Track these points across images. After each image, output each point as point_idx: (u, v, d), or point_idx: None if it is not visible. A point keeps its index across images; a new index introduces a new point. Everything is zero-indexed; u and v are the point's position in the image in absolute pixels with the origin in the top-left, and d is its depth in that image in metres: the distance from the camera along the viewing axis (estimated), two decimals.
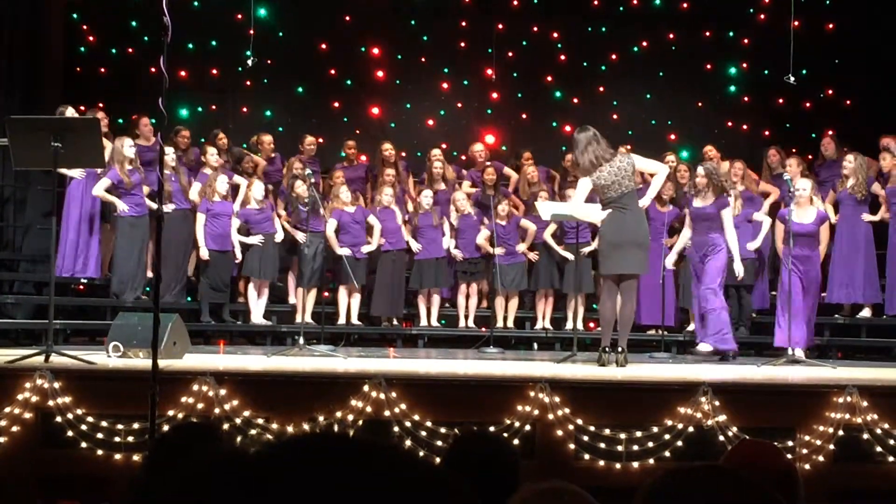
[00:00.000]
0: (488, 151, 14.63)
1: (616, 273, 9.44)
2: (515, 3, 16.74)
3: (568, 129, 16.34)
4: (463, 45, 16.70)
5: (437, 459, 5.51)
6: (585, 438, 7.11)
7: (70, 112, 11.82)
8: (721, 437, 7.06)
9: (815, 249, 11.01)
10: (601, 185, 9.37)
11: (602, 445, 7.11)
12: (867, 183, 12.44)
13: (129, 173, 12.03)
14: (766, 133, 15.75)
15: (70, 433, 7.04)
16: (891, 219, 12.37)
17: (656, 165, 10.03)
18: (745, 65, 16.58)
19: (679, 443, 7.09)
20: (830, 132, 13.62)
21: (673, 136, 15.96)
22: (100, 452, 7.04)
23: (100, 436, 7.04)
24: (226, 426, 6.85)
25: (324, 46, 16.58)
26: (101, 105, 13.09)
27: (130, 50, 15.88)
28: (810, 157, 13.22)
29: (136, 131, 13.24)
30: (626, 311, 9.49)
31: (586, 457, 7.11)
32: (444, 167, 14.00)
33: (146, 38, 15.40)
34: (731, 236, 10.79)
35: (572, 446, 7.11)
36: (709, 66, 16.65)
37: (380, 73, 16.72)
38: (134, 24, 15.91)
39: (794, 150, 13.34)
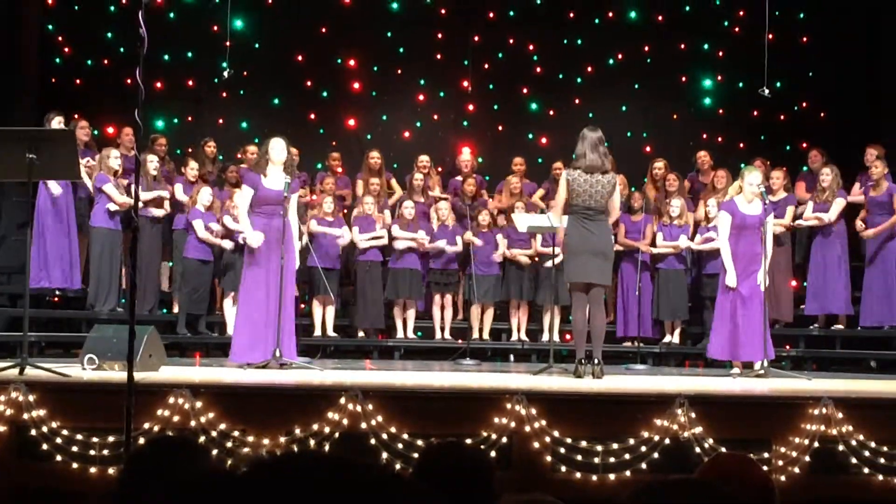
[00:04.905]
0: (474, 162, 14.66)
1: (580, 281, 9.42)
2: (492, 14, 16.79)
3: (544, 140, 16.43)
4: (439, 56, 16.72)
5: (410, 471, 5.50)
6: (562, 450, 7.10)
7: (58, 120, 11.81)
8: (697, 449, 7.07)
9: (760, 246, 10.13)
10: (573, 188, 9.35)
11: (579, 457, 7.10)
12: (836, 194, 12.53)
13: (116, 185, 12.08)
14: (741, 145, 15.83)
15: (45, 446, 6.99)
16: (870, 229, 12.45)
17: (617, 208, 9.73)
18: (720, 77, 16.67)
19: (655, 455, 7.09)
20: (817, 148, 13.63)
21: (648, 148, 16.01)
22: (75, 466, 6.98)
23: (75, 449, 6.98)
24: (202, 439, 6.82)
25: (300, 58, 16.58)
26: (76, 116, 13.00)
27: (106, 61, 15.83)
28: (785, 168, 13.27)
29: (118, 141, 13.25)
30: (597, 322, 9.45)
31: (563, 469, 7.10)
32: (427, 178, 14.08)
33: (122, 49, 15.36)
34: None
35: (549, 458, 7.11)
36: (684, 79, 16.74)
37: (356, 85, 16.73)
38: (109, 35, 15.87)
39: (767, 163, 13.39)
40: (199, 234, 12.62)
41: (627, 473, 7.07)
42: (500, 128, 16.75)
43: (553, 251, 11.28)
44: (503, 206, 13.88)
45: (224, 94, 15.91)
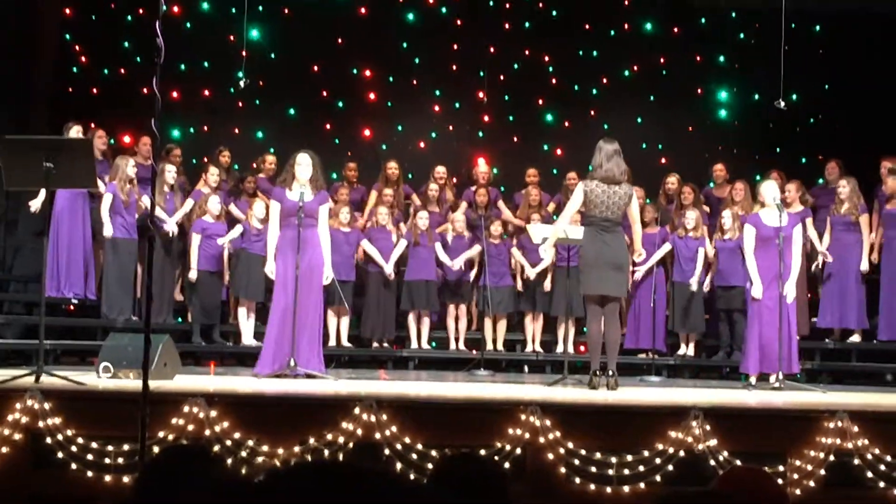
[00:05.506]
0: (490, 173, 14.63)
1: (595, 293, 9.41)
2: (507, 26, 16.79)
3: (559, 152, 16.42)
4: (454, 67, 16.73)
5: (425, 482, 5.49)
6: (576, 462, 7.09)
7: (76, 130, 11.84)
8: (712, 462, 7.06)
9: (779, 259, 10.12)
10: (591, 199, 9.35)
11: (593, 469, 7.09)
12: (859, 208, 12.50)
13: (128, 193, 12.07)
14: (756, 157, 15.78)
15: (60, 454, 7.01)
16: (885, 243, 12.41)
17: (637, 218, 9.82)
18: (735, 89, 16.64)
19: (670, 467, 7.08)
20: (834, 160, 13.64)
21: (663, 160, 15.96)
22: (90, 474, 7.00)
23: (90, 457, 7.00)
24: (216, 448, 6.83)
25: (316, 68, 16.61)
26: (92, 125, 13.03)
27: (123, 70, 15.88)
28: (800, 181, 13.26)
29: (135, 149, 13.28)
30: (611, 334, 9.45)
31: (577, 480, 7.09)
32: (443, 189, 14.08)
33: (138, 59, 15.39)
34: None
35: (563, 470, 7.09)
36: (699, 91, 16.70)
37: (371, 95, 16.73)
38: (126, 44, 15.91)
39: (782, 175, 13.36)
40: (192, 246, 12.65)
41: (642, 485, 7.06)
42: (515, 139, 16.73)
43: (568, 264, 11.29)
44: (522, 219, 13.81)
45: (240, 104, 15.92)
